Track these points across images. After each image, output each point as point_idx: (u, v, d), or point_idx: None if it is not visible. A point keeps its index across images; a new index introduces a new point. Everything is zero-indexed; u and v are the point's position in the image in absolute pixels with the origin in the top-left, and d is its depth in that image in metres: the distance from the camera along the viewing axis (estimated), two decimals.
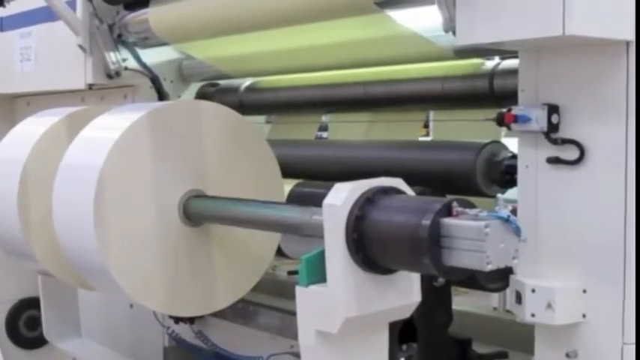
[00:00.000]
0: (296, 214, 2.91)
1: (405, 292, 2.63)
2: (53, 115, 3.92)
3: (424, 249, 2.34)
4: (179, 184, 3.34)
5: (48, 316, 4.48)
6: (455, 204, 2.36)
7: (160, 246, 3.30)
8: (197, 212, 3.33)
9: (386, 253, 2.48)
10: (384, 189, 2.55)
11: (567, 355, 2.77)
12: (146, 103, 3.78)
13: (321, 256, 2.55)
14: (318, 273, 2.56)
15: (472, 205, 2.42)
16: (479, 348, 3.25)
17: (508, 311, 3.12)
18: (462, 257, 2.31)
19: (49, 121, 3.87)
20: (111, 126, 3.36)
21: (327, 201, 2.53)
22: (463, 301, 4.12)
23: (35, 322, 4.69)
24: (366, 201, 2.50)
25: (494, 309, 6.95)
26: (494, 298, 8.41)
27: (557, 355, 2.79)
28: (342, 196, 2.51)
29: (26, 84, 5.39)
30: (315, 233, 2.70)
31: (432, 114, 4.22)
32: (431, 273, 2.43)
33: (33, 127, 3.95)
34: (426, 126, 5.01)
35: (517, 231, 2.31)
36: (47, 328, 4.49)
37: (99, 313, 4.89)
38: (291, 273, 4.75)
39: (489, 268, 2.27)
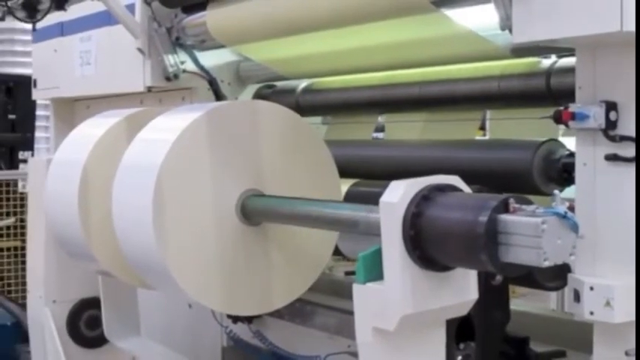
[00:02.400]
0: (353, 211, 2.92)
1: (461, 289, 2.63)
2: (112, 117, 3.96)
3: (481, 245, 2.34)
4: (237, 184, 3.36)
5: (108, 316, 4.53)
6: (511, 200, 2.36)
7: (218, 245, 3.32)
8: (255, 211, 3.35)
9: (443, 250, 2.48)
10: (440, 186, 2.55)
11: (626, 353, 2.75)
12: (204, 104, 3.81)
13: (378, 254, 2.56)
14: (375, 270, 2.57)
15: (529, 202, 2.42)
16: (537, 347, 3.24)
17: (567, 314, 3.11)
18: (518, 253, 2.30)
19: (108, 122, 3.92)
20: (169, 126, 3.40)
21: (384, 198, 2.54)
22: (521, 304, 4.10)
23: (96, 322, 4.74)
24: (423, 198, 2.51)
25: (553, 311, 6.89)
26: (553, 300, 8.35)
27: (615, 354, 2.77)
28: (398, 194, 2.52)
29: (86, 87, 5.47)
30: (372, 231, 2.71)
31: (488, 115, 4.20)
32: (488, 270, 2.43)
33: (93, 129, 4.00)
34: (482, 128, 4.99)
35: (574, 227, 2.31)
36: (107, 328, 4.54)
37: (158, 313, 4.94)
38: (348, 274, 4.76)
39: (546, 264, 2.26)
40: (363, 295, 2.59)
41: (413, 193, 2.52)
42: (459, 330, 3.00)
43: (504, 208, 2.36)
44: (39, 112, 10.97)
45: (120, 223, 3.42)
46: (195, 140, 3.28)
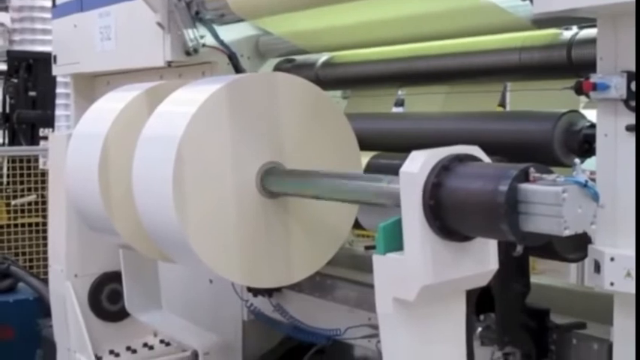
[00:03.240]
0: (372, 182, 2.92)
1: (482, 259, 2.63)
2: (133, 90, 3.97)
3: (501, 215, 2.34)
4: (257, 156, 3.36)
5: (129, 289, 4.55)
6: (532, 169, 2.36)
7: (238, 218, 3.33)
8: (275, 184, 3.35)
9: (463, 219, 2.48)
10: (460, 156, 2.55)
11: None
12: (224, 76, 3.81)
13: (397, 225, 2.57)
14: (395, 241, 2.57)
15: (549, 171, 2.41)
16: (557, 319, 3.24)
17: None
18: (539, 222, 2.30)
19: (128, 95, 3.92)
20: (189, 99, 3.39)
21: (404, 169, 2.54)
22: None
23: (117, 296, 4.77)
24: (443, 168, 2.51)
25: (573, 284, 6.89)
26: (572, 277, 8.37)
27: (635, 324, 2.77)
28: (418, 164, 2.52)
29: (106, 63, 5.48)
30: (392, 202, 2.71)
31: (508, 89, 4.19)
32: (508, 239, 2.43)
33: (113, 102, 4.00)
34: (502, 105, 4.97)
35: (595, 196, 2.30)
36: (129, 301, 4.57)
37: (179, 289, 4.96)
38: (368, 248, 4.77)
39: (567, 233, 2.26)
40: (383, 265, 2.60)
41: (433, 164, 2.52)
42: (479, 301, 3.00)
43: (525, 177, 2.36)
44: (59, 90, 11.02)
45: (140, 195, 3.43)
46: (215, 112, 3.28)
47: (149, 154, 3.40)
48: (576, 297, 3.59)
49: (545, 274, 6.66)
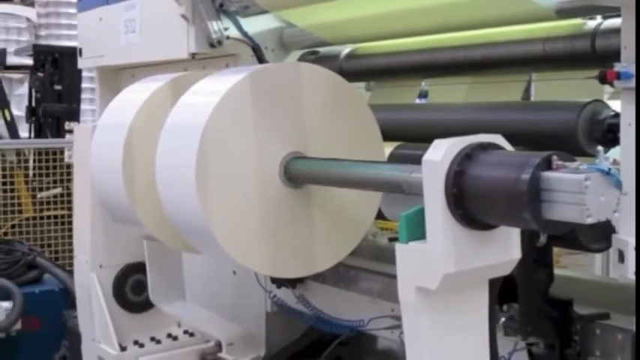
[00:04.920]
0: (395, 171, 2.92)
1: (504, 248, 2.62)
2: (157, 81, 3.99)
3: (524, 203, 2.33)
4: (280, 146, 3.37)
5: (153, 280, 4.57)
6: (554, 157, 2.35)
7: (262, 207, 3.33)
8: (298, 173, 3.36)
9: (486, 208, 2.47)
10: (482, 145, 2.55)
11: None
12: (248, 66, 3.82)
13: (420, 213, 2.56)
14: (417, 230, 2.57)
15: (572, 159, 2.40)
16: (580, 310, 3.23)
17: None
18: (562, 210, 2.30)
19: (152, 86, 3.94)
20: (213, 88, 3.40)
21: (426, 157, 2.54)
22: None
23: (141, 287, 4.78)
24: (465, 157, 2.50)
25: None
26: (597, 268, 8.36)
27: None
28: (441, 152, 2.51)
29: (131, 55, 5.49)
30: (415, 190, 2.71)
31: (532, 81, 4.18)
32: (531, 228, 2.43)
33: (137, 93, 4.02)
34: (527, 99, 4.94)
35: (618, 183, 2.30)
36: (152, 292, 4.59)
37: (203, 280, 4.98)
38: (392, 240, 4.76)
39: (590, 220, 2.26)
40: (406, 254, 2.60)
41: (455, 152, 2.51)
42: (502, 292, 2.99)
43: (547, 165, 2.35)
44: (84, 85, 11.08)
45: (164, 185, 3.44)
46: (239, 102, 3.29)
47: (172, 143, 3.41)
48: (600, 288, 3.58)
49: (568, 269, 6.63)
